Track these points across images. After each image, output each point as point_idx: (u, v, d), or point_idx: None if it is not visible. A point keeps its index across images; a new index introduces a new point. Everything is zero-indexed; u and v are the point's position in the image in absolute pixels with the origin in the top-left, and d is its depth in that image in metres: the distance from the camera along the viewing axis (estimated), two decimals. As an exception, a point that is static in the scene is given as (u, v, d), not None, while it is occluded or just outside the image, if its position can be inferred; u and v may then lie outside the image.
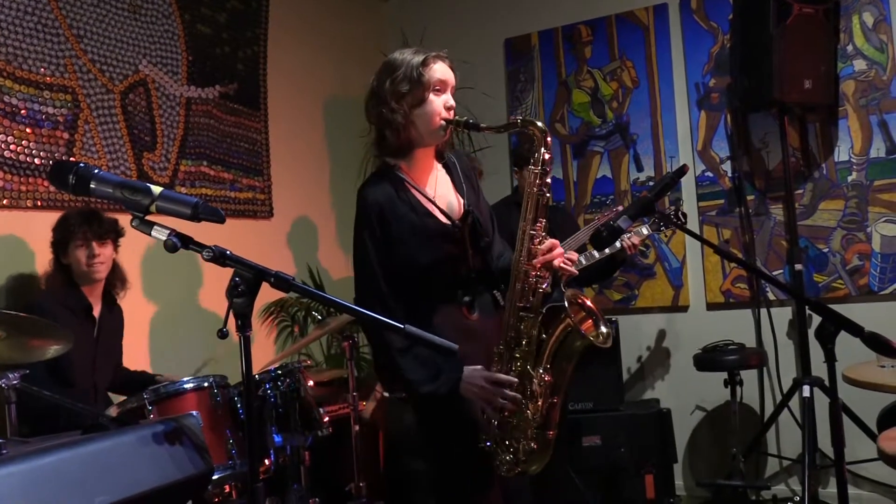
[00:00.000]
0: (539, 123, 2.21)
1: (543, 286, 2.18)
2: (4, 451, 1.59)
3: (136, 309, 3.62)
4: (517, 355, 2.19)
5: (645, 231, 3.68)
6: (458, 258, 2.27)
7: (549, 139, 2.21)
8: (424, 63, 2.21)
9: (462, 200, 2.33)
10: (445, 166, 2.39)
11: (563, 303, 2.17)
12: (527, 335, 2.18)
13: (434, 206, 2.27)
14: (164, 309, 3.84)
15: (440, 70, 2.23)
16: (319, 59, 4.93)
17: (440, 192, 2.32)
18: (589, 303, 2.23)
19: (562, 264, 2.21)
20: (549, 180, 2.21)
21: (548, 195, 2.21)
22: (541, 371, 2.18)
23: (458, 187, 2.36)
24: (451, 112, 2.24)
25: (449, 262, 2.26)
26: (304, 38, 4.84)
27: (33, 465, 1.53)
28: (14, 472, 1.49)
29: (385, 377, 2.40)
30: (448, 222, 2.26)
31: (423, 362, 2.13)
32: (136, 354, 3.61)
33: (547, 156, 2.19)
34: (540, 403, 2.17)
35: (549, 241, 2.20)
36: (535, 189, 2.20)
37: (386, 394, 3.71)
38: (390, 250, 2.21)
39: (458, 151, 2.46)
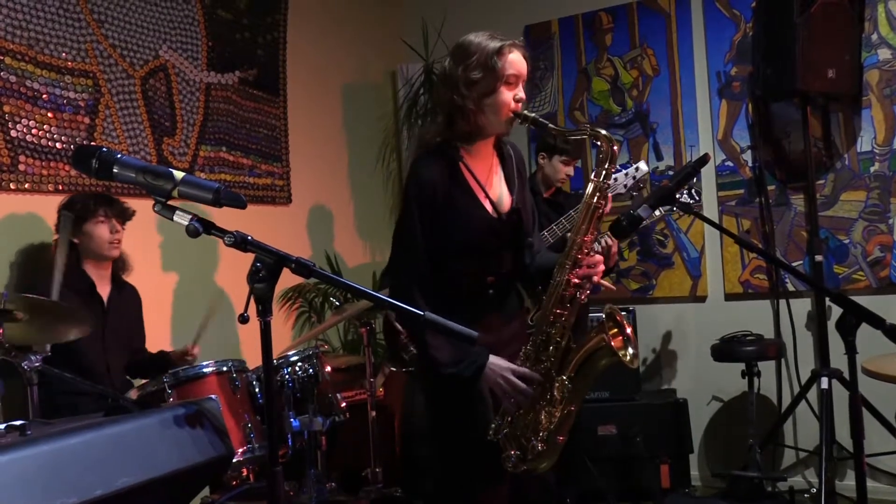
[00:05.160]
0: (603, 132, 2.19)
1: (582, 296, 2.19)
2: (29, 432, 1.61)
3: (153, 291, 3.65)
4: (543, 358, 2.20)
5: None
6: (495, 251, 2.29)
7: (616, 148, 2.18)
8: (500, 52, 2.17)
9: (511, 195, 2.33)
10: (500, 155, 2.37)
11: (600, 317, 2.19)
12: (556, 341, 2.19)
13: (485, 197, 2.26)
14: (181, 292, 3.87)
15: (515, 62, 2.19)
16: (338, 46, 4.93)
17: (493, 182, 2.32)
18: (624, 322, 2.21)
19: (599, 280, 2.24)
20: (609, 194, 2.21)
21: (603, 208, 2.20)
22: (564, 379, 2.18)
23: (509, 180, 2.35)
24: (520, 105, 2.21)
25: (485, 254, 2.27)
26: (324, 24, 4.84)
27: (57, 446, 1.55)
28: (39, 452, 1.50)
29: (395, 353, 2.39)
30: (495, 215, 2.27)
31: (452, 342, 2.12)
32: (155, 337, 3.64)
33: (612, 169, 2.18)
34: (557, 409, 2.18)
35: (596, 257, 2.22)
36: (593, 200, 2.19)
37: (392, 368, 3.74)
38: (433, 228, 2.21)
39: (513, 143, 2.45)
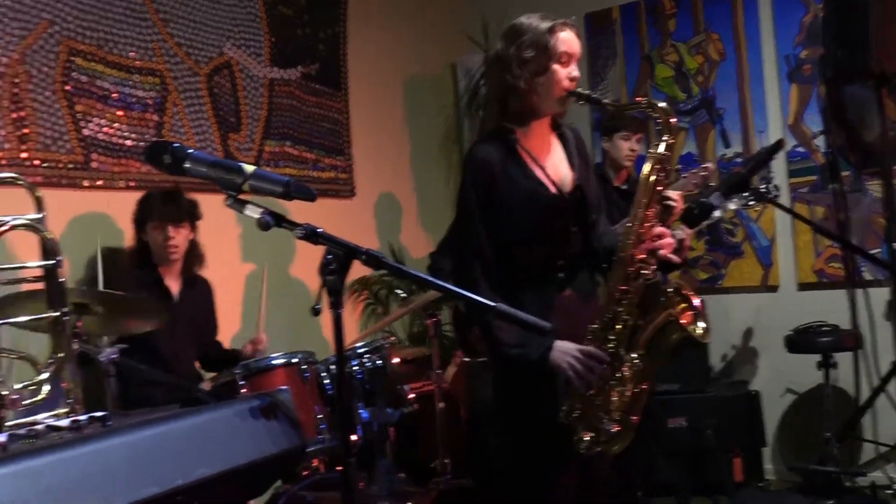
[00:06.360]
0: (662, 105, 2.16)
1: (647, 272, 2.14)
2: (109, 423, 1.64)
3: (232, 282, 3.71)
4: (611, 337, 2.15)
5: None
6: (560, 232, 2.24)
7: (673, 121, 2.16)
8: (551, 31, 2.16)
9: (573, 174, 2.28)
10: (561, 137, 2.34)
11: (668, 292, 2.13)
12: (624, 319, 2.15)
13: (545, 176, 2.23)
14: (251, 284, 3.92)
15: (567, 41, 2.17)
16: (399, 39, 4.93)
17: (553, 162, 2.28)
18: (692, 296, 2.16)
19: (668, 254, 2.15)
20: (668, 167, 2.16)
21: (664, 182, 2.16)
22: (634, 356, 2.14)
23: (570, 160, 2.31)
24: (574, 83, 2.19)
25: (550, 235, 2.23)
26: (384, 17, 4.84)
27: (138, 437, 1.57)
28: (121, 443, 1.53)
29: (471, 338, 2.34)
30: (557, 194, 2.23)
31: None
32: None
33: (671, 141, 2.15)
34: (629, 388, 2.14)
35: (659, 228, 2.16)
36: (652, 176, 2.15)
37: (467, 359, 3.73)
38: (494, 212, 2.19)
39: (574, 127, 2.41)
